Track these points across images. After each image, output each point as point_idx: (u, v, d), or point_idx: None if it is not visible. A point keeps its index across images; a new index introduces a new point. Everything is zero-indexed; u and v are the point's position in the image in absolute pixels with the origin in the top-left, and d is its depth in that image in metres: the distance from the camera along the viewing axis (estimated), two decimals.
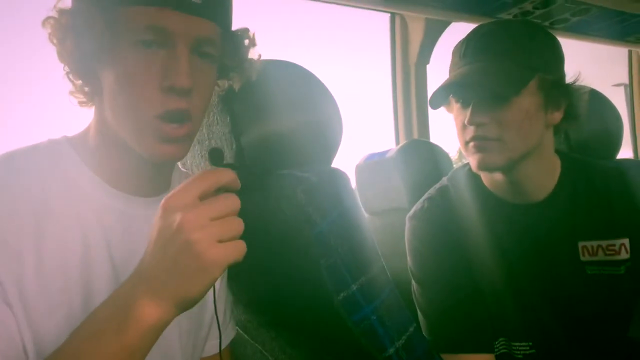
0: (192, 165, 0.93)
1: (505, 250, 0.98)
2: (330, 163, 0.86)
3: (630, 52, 2.75)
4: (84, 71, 0.65)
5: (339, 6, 1.78)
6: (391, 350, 0.73)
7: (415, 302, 1.04)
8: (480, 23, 1.97)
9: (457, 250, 0.99)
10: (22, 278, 0.58)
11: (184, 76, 0.60)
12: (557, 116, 0.94)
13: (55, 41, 0.63)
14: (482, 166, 0.92)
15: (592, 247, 0.94)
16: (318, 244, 0.72)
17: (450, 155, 1.68)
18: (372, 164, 1.59)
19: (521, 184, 0.96)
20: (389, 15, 2.01)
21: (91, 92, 0.68)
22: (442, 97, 0.96)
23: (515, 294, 0.96)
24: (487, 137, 0.89)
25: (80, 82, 0.66)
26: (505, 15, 1.84)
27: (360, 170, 1.62)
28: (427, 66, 1.99)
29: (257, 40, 0.75)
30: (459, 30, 1.99)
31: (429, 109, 2.03)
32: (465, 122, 0.90)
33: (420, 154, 1.52)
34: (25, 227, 0.60)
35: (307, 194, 0.72)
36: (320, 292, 0.74)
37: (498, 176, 0.97)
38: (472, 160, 0.93)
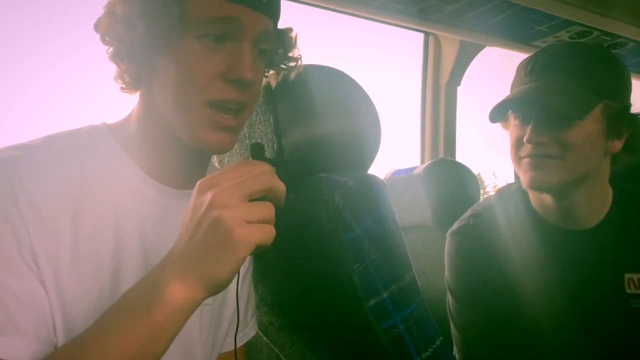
0: (229, 163, 0.94)
1: (549, 276, 0.96)
2: (367, 170, 0.87)
3: None
4: (140, 57, 0.65)
5: (373, 22, 1.80)
6: None
7: (450, 318, 1.03)
8: (514, 49, 1.98)
9: (499, 270, 0.98)
10: (58, 259, 0.59)
11: (249, 70, 0.63)
12: (617, 145, 0.92)
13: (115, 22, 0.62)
14: (535, 184, 0.90)
15: (639, 279, 0.92)
16: (351, 248, 0.73)
17: None
18: (399, 180, 1.59)
19: (572, 209, 0.94)
20: (422, 34, 2.03)
21: (138, 79, 0.68)
22: (502, 112, 0.95)
23: (554, 321, 0.95)
24: (545, 155, 0.88)
25: (125, 66, 0.66)
26: (540, 43, 1.85)
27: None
28: (458, 88, 2.00)
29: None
30: (491, 55, 2.00)
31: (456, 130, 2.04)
32: (525, 139, 0.89)
33: (448, 172, 1.51)
34: (64, 208, 0.60)
35: (344, 197, 0.73)
36: (350, 297, 0.74)
37: (548, 200, 0.95)
38: (525, 178, 0.91)
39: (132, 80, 0.68)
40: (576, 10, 1.62)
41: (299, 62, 0.78)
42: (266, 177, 0.55)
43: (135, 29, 0.61)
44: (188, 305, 0.53)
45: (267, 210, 0.54)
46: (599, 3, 1.63)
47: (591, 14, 1.65)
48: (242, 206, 0.52)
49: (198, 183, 0.55)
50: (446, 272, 1.05)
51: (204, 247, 0.52)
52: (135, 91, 0.71)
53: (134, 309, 0.53)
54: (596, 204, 0.96)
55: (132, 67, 0.66)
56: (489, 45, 1.93)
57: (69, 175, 0.62)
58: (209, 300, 0.78)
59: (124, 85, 0.69)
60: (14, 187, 0.57)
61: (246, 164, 0.56)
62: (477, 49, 1.95)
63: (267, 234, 0.53)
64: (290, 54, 0.77)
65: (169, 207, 0.70)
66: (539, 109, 0.88)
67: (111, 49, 0.65)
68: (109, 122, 0.73)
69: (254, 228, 0.52)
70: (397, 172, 1.63)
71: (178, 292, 0.52)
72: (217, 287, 0.54)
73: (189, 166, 0.72)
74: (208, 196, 0.53)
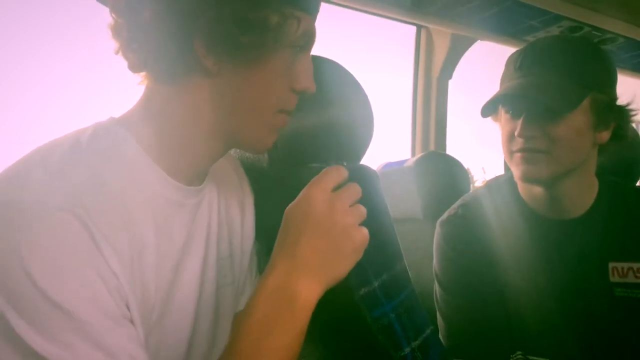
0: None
1: (534, 264, 0.98)
2: (360, 161, 0.87)
3: None
4: (215, 50, 0.59)
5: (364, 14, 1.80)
6: (407, 350, 0.73)
7: (436, 306, 1.04)
8: (506, 44, 1.99)
9: (486, 259, 1.00)
10: (134, 291, 0.56)
11: (313, 82, 0.67)
12: (605, 136, 0.94)
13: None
14: (527, 177, 0.92)
15: (623, 268, 0.94)
16: None
17: None
18: (389, 173, 1.59)
19: (560, 199, 0.96)
20: (414, 27, 2.04)
21: (173, 75, 0.61)
22: (493, 107, 0.96)
23: (538, 308, 0.97)
24: (536, 149, 0.90)
25: (170, 53, 0.59)
26: (531, 38, 1.86)
27: None
28: (449, 81, 2.01)
29: None
30: (483, 49, 2.01)
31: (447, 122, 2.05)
32: (516, 133, 0.91)
33: (438, 165, 1.52)
34: (122, 233, 0.55)
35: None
36: (341, 285, 0.74)
37: (537, 190, 0.97)
38: (517, 171, 0.93)
39: (168, 71, 0.61)
40: (567, 5, 1.64)
41: None
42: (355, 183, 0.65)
43: (244, 26, 0.57)
44: (316, 302, 0.60)
45: (364, 211, 0.63)
46: None
47: (582, 9, 1.67)
48: (352, 212, 0.62)
49: (315, 191, 0.62)
50: (434, 261, 1.07)
51: (335, 252, 0.60)
52: (155, 83, 0.63)
53: (284, 320, 0.58)
54: (583, 194, 0.98)
55: (199, 56, 0.59)
56: (481, 39, 1.95)
57: (111, 192, 0.55)
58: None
59: (154, 76, 0.62)
60: (87, 225, 0.51)
61: (334, 170, 0.64)
62: (469, 42, 1.96)
63: (367, 235, 0.63)
64: None
65: (187, 206, 0.67)
66: (529, 103, 0.90)
67: (163, 29, 0.57)
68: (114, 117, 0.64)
69: (364, 231, 0.62)
70: (388, 165, 1.64)
71: (312, 295, 0.59)
72: (335, 283, 0.62)
73: (208, 164, 0.69)
74: (330, 205, 0.60)
